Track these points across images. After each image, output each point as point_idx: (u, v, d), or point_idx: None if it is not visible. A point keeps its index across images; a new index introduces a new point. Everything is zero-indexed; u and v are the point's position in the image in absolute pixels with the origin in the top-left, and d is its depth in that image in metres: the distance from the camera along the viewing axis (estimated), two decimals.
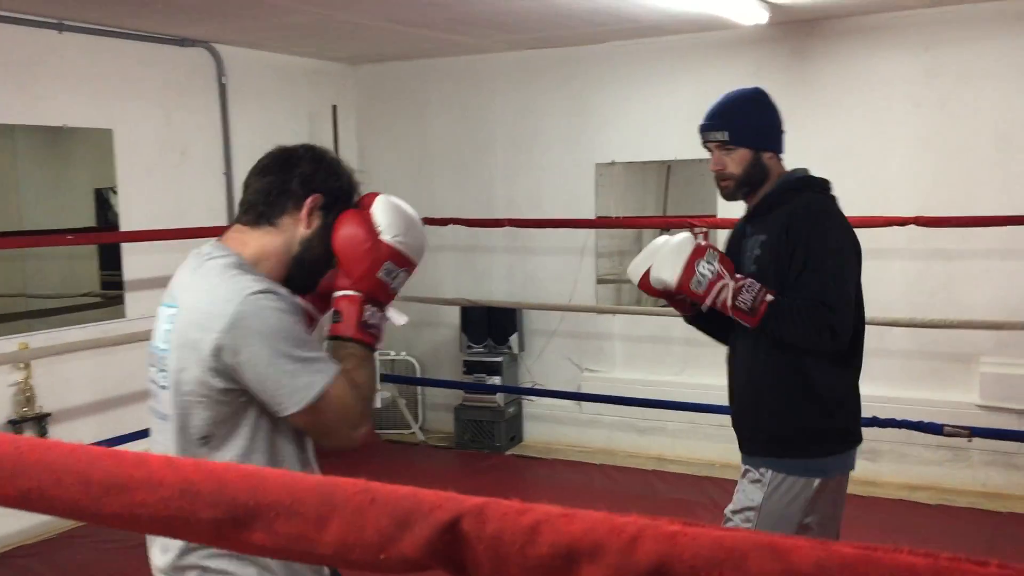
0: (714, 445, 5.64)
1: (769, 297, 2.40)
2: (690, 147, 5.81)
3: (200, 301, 1.68)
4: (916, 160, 5.25)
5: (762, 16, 4.92)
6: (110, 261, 5.31)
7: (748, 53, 5.57)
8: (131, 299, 5.32)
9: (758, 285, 2.41)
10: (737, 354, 2.67)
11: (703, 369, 5.68)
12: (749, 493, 2.55)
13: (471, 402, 6.29)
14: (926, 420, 4.66)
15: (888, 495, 5.09)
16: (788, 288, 2.44)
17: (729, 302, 2.40)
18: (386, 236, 1.76)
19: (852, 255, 2.51)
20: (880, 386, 5.01)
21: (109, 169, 5.22)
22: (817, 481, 2.50)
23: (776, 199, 2.55)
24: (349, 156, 6.58)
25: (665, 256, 2.49)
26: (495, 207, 6.34)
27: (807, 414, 2.51)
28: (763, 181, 2.56)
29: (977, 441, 4.90)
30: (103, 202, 5.34)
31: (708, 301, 2.43)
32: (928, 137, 5.21)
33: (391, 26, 5.28)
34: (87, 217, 5.35)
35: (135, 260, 5.32)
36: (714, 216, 5.44)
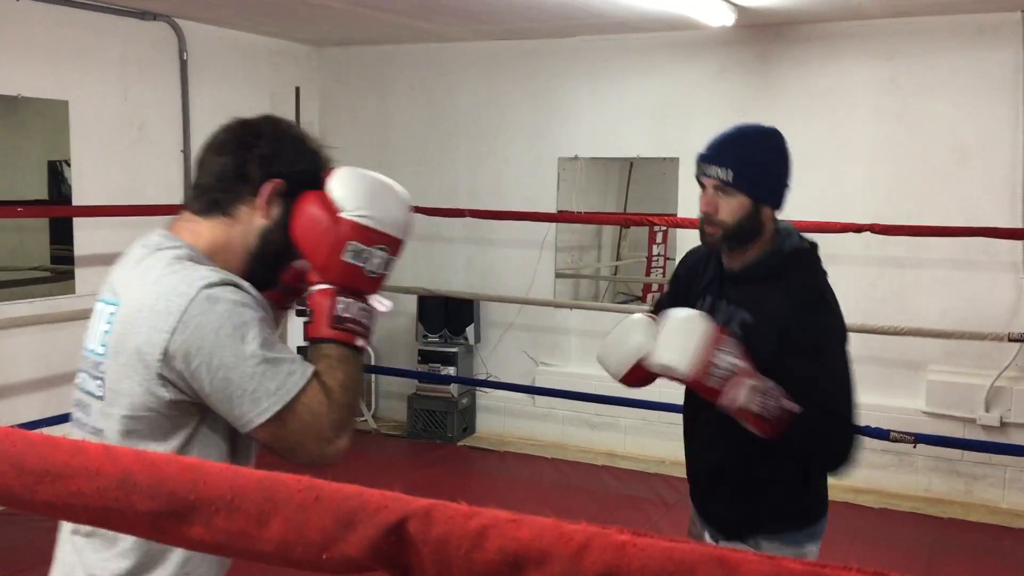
0: (665, 442, 5.68)
1: (790, 405, 2.00)
2: (653, 145, 5.88)
3: (146, 297, 1.42)
4: (874, 168, 5.31)
5: (728, 18, 4.94)
6: (61, 235, 5.21)
7: (713, 54, 5.60)
8: (81, 275, 5.22)
9: (778, 390, 2.00)
10: (703, 424, 2.32)
11: None
12: None
13: (425, 392, 6.27)
14: (873, 425, 4.71)
15: (833, 497, 5.08)
16: (776, 368, 2.04)
17: (747, 407, 1.98)
18: (345, 212, 1.50)
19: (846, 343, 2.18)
20: None
21: (64, 141, 5.11)
22: (814, 549, 2.31)
23: (767, 272, 2.17)
24: None
25: (673, 334, 2.04)
26: (457, 197, 6.30)
27: (790, 485, 2.31)
28: (754, 238, 2.15)
29: (922, 447, 4.97)
30: (56, 175, 5.23)
31: (721, 400, 2.00)
32: (886, 146, 5.28)
33: (358, 10, 5.23)
34: (39, 190, 5.24)
35: (87, 235, 5.22)
36: (674, 215, 5.46)
